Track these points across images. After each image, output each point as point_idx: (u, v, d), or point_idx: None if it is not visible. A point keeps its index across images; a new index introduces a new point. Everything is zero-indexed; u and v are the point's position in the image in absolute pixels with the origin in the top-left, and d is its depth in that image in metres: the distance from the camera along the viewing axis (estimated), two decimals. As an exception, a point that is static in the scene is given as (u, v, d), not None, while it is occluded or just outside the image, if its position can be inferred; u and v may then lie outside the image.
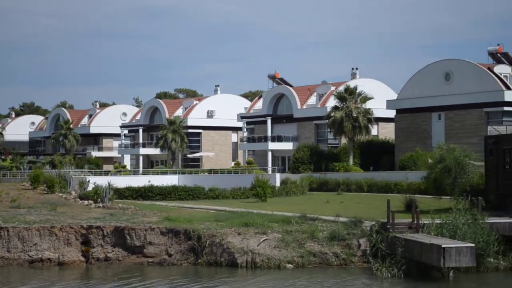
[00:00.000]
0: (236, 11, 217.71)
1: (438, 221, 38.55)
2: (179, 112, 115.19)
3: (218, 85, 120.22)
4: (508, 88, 75.56)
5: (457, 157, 47.49)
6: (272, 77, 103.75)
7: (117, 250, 43.71)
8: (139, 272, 40.01)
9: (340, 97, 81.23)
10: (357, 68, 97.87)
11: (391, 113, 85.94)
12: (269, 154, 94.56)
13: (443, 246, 33.29)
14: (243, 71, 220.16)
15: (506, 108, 74.26)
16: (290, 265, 39.43)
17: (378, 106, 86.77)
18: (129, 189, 64.94)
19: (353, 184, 73.23)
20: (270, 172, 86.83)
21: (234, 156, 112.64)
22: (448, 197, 48.51)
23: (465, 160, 47.69)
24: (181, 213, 49.39)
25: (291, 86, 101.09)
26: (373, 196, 65.25)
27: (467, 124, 75.84)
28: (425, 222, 38.83)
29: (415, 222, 38.74)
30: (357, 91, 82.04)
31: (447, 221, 37.76)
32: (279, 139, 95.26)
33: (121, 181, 69.80)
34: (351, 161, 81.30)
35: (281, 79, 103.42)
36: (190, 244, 42.02)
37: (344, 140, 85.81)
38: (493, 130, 50.11)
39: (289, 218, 43.78)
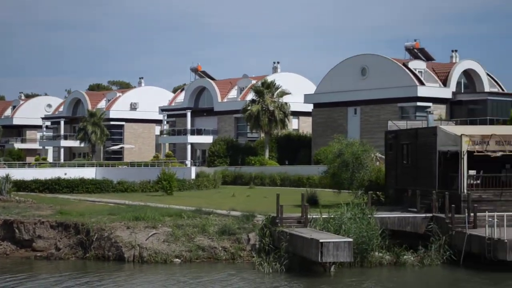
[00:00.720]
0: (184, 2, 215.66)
1: (326, 216, 38.37)
2: (102, 104, 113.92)
3: (142, 78, 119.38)
4: (422, 83, 76.13)
5: (355, 151, 47.46)
6: (195, 70, 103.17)
7: (5, 244, 42.70)
8: (26, 266, 39.06)
9: (257, 91, 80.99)
10: (278, 62, 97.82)
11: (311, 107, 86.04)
12: (189, 147, 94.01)
13: (321, 241, 33.11)
14: (177, 64, 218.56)
15: (419, 103, 74.81)
16: (177, 259, 38.88)
17: (299, 100, 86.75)
18: (35, 181, 63.73)
19: (267, 178, 73.19)
20: (189, 165, 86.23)
21: (158, 149, 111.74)
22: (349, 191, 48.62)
23: (363, 154, 47.68)
24: (79, 207, 48.54)
25: (213, 79, 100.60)
26: (283, 190, 64.94)
27: (381, 119, 76.07)
28: (314, 216, 38.62)
29: (304, 216, 38.52)
30: (275, 85, 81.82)
31: (332, 216, 37.58)
32: (199, 132, 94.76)
33: (29, 174, 68.57)
34: (267, 155, 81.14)
35: (203, 72, 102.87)
36: (79, 238, 41.19)
37: (262, 134, 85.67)
38: (393, 125, 50.18)
39: (183, 212, 43.24)
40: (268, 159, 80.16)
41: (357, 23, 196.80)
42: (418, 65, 78.25)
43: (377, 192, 48.72)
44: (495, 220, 35.46)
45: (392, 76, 76.68)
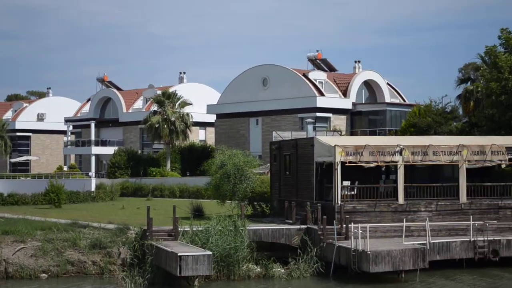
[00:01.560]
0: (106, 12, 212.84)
1: (196, 229, 37.79)
2: (9, 114, 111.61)
3: (50, 88, 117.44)
4: (321, 94, 76.31)
5: (236, 163, 47.04)
6: (101, 80, 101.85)
7: None
8: None
9: (158, 102, 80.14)
10: (184, 72, 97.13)
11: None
12: (93, 158, 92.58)
13: (179, 254, 32.48)
14: (93, 74, 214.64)
15: (318, 114, 74.97)
16: (44, 274, 37.79)
17: (205, 111, 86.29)
18: None
19: (166, 189, 72.37)
20: (92, 177, 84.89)
21: (67, 161, 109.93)
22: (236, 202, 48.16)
23: (245, 166, 47.29)
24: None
25: (119, 89, 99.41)
26: (180, 201, 64.19)
27: (282, 130, 75.93)
28: (186, 229, 38.00)
29: (174, 229, 37.86)
30: (176, 95, 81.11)
31: (201, 229, 37.03)
32: (103, 143, 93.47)
33: None
34: (168, 166, 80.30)
35: (110, 82, 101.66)
36: None
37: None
38: (277, 136, 49.97)
39: (55, 225, 42.14)
40: (169, 171, 79.31)
41: (267, 34, 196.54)
42: (318, 75, 78.48)
43: (261, 204, 48.31)
44: (360, 231, 35.30)
45: (293, 86, 76.77)
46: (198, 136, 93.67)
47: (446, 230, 40.65)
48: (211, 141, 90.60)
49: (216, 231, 36.75)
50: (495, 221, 41.60)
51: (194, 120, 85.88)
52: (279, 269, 37.24)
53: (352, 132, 76.58)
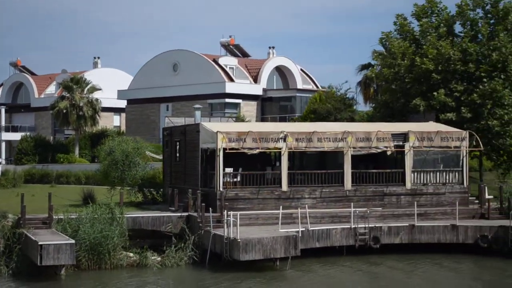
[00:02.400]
0: None
1: (73, 216, 36.83)
2: None
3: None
4: (231, 80, 75.63)
5: (125, 149, 46.12)
6: (14, 65, 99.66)
7: None
8: None
9: (66, 87, 78.46)
10: (99, 57, 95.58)
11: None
12: (3, 144, 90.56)
13: (40, 243, 31.52)
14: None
15: (228, 100, 74.34)
16: None
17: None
18: None
19: (72, 176, 70.87)
20: (3, 163, 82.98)
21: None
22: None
23: (134, 152, 46.40)
24: None
25: (33, 74, 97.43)
26: (82, 188, 62.99)
27: (192, 116, 74.99)
28: (60, 217, 36.99)
29: (49, 217, 36.84)
30: (85, 80, 79.53)
31: (73, 217, 36.10)
32: (14, 129, 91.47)
33: None
34: (76, 153, 78.76)
35: (23, 67, 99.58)
36: None
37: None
38: (169, 122, 49.15)
39: None
40: (77, 157, 77.79)
41: (185, 18, 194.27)
42: (229, 61, 77.73)
43: (151, 190, 47.57)
44: (232, 219, 34.75)
45: (202, 72, 75.92)
46: (112, 122, 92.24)
47: (329, 217, 40.39)
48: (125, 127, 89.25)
49: (90, 219, 35.80)
50: (380, 208, 41.47)
51: (106, 105, 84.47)
52: (154, 258, 36.48)
53: (262, 118, 76.09)
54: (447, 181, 43.04)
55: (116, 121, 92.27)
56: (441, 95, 47.17)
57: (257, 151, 40.36)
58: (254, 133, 40.26)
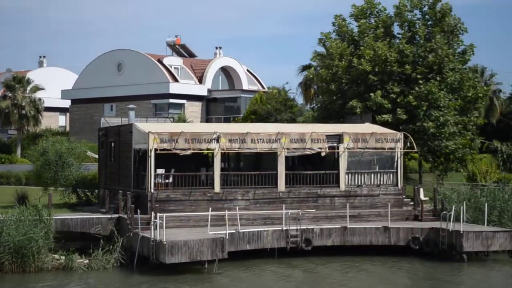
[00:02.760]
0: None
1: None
2: None
3: None
4: (176, 80, 75.09)
5: (58, 150, 45.39)
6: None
7: None
8: None
9: (8, 86, 77.35)
10: (44, 56, 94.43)
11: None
12: None
13: (-43, 246, 30.72)
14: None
15: (172, 100, 73.82)
16: None
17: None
18: None
19: (12, 176, 69.75)
20: None
21: None
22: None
23: (68, 153, 45.69)
24: None
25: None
26: (22, 188, 61.90)
27: (137, 116, 74.34)
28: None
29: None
30: (28, 80, 78.46)
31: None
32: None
33: None
34: (18, 153, 77.67)
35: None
36: None
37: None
38: (105, 122, 48.52)
39: None
40: (19, 157, 76.65)
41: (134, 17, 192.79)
42: (174, 61, 77.22)
43: (86, 192, 46.93)
44: (158, 221, 34.25)
45: (147, 72, 75.37)
46: (58, 121, 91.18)
47: (261, 219, 40.06)
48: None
49: (15, 221, 35.06)
50: (314, 210, 41.25)
51: (51, 105, 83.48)
52: (81, 260, 35.83)
53: (207, 119, 75.74)
54: (382, 182, 42.94)
55: (61, 121, 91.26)
56: (377, 96, 47.14)
57: (189, 152, 39.90)
58: (186, 134, 39.79)
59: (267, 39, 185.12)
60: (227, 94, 77.07)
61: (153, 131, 39.48)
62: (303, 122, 55.91)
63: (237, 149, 41.20)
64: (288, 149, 41.46)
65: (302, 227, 38.75)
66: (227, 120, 73.27)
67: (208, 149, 40.56)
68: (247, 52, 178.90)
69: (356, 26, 51.10)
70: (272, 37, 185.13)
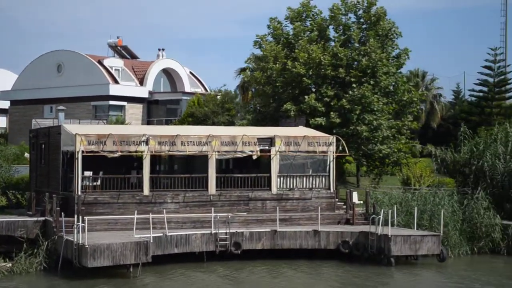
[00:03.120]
0: None
1: None
2: None
3: None
4: (116, 82, 74.30)
5: (-14, 151, 44.53)
6: None
7: None
8: None
9: None
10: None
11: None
12: None
13: None
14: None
15: (112, 102, 73.03)
16: None
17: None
18: None
19: None
20: None
21: None
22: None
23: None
24: None
25: None
26: None
27: (76, 118, 73.44)
28: None
29: None
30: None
31: None
32: None
33: None
34: None
35: None
36: None
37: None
38: (36, 123, 47.71)
39: None
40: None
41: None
42: (114, 63, 76.37)
43: (15, 194, 46.13)
44: (81, 224, 33.66)
45: (87, 73, 74.41)
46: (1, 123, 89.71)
47: (191, 222, 39.65)
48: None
49: None
50: (245, 213, 40.95)
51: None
52: (3, 264, 35.07)
53: (148, 121, 75.04)
54: (314, 186, 42.78)
55: (2, 122, 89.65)
56: (311, 99, 47.02)
57: (117, 154, 39.34)
58: (114, 136, 39.23)
59: (212, 41, 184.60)
60: (169, 97, 76.47)
61: (80, 133, 38.85)
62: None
63: (166, 152, 40.74)
64: (219, 152, 41.11)
65: (231, 231, 38.41)
66: (168, 123, 72.63)
67: (137, 151, 40.01)
68: (194, 55, 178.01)
69: (292, 29, 50.93)
70: (219, 40, 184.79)
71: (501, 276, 36.91)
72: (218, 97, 59.22)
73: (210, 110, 55.70)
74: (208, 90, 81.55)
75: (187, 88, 79.07)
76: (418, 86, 71.25)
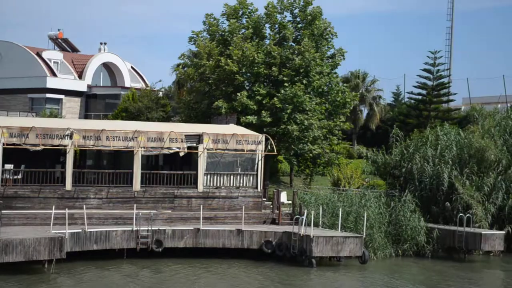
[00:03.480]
0: None
1: None
2: None
3: None
4: (54, 74, 73.11)
5: None
6: None
7: None
8: None
9: None
10: None
11: None
12: None
13: None
14: None
15: (49, 95, 71.81)
16: None
17: None
18: None
19: None
20: None
21: None
22: None
23: None
24: None
25: None
26: None
27: (12, 110, 72.12)
28: None
29: None
30: None
31: None
32: None
33: None
34: None
35: None
36: None
37: None
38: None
39: None
40: None
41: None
42: (54, 55, 75.02)
43: None
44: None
45: (24, 65, 73.00)
46: None
47: (113, 218, 39.07)
48: None
49: None
50: (170, 210, 40.45)
51: None
52: None
53: (86, 115, 73.92)
54: (242, 184, 42.43)
55: None
56: (243, 97, 46.64)
57: (40, 147, 38.59)
58: (37, 129, 38.45)
59: (157, 36, 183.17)
60: (108, 91, 75.37)
61: (2, 125, 38.01)
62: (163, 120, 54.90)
63: (91, 146, 40.06)
64: (145, 148, 40.53)
65: (153, 228, 37.88)
66: (106, 117, 71.70)
67: (60, 145, 39.26)
68: (138, 49, 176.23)
69: (228, 25, 50.49)
70: (163, 35, 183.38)
71: (414, 280, 36.72)
72: (160, 93, 58.52)
73: (144, 105, 54.94)
74: (150, 85, 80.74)
75: (128, 83, 78.08)
76: (358, 87, 71.13)
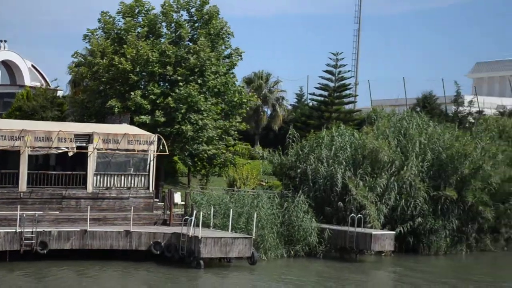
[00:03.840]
0: None
1: None
2: None
3: None
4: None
5: None
6: None
7: None
8: None
9: None
10: None
11: None
12: None
13: None
14: None
15: None
16: None
17: None
18: None
19: None
20: None
21: None
22: None
23: None
24: None
25: None
26: None
27: None
28: None
29: None
30: None
31: None
32: None
33: None
34: None
35: None
36: None
37: None
38: None
39: None
40: None
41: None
42: None
43: None
44: None
45: None
46: None
47: (-4, 220, 37.83)
48: None
49: None
50: (57, 212, 39.49)
51: None
52: None
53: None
54: (133, 185, 41.73)
55: None
56: (137, 96, 45.94)
57: None
58: None
59: (61, 35, 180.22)
60: (6, 89, 73.51)
61: None
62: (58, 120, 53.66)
63: (-27, 146, 38.79)
64: (32, 147, 39.48)
65: (38, 230, 36.84)
66: (8, 116, 69.91)
67: None
68: (40, 48, 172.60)
69: (123, 23, 49.69)
70: (67, 34, 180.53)
71: (299, 279, 36.61)
72: (59, 92, 57.28)
73: (39, 104, 53.61)
74: (50, 84, 79.16)
75: (27, 82, 76.37)
76: (261, 88, 71.00)
